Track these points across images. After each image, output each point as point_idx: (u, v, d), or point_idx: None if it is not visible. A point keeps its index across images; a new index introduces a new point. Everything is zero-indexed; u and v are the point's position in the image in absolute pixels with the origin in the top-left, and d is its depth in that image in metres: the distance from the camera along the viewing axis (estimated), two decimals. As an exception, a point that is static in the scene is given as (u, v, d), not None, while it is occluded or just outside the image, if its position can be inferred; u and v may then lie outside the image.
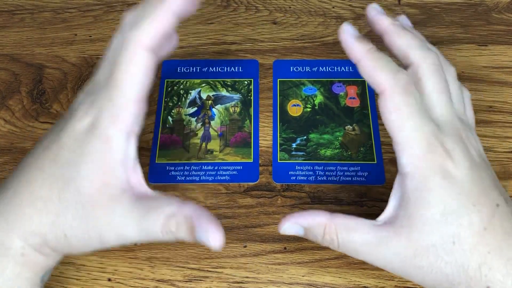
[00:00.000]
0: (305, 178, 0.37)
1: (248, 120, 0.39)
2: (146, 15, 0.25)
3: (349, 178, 0.37)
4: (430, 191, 0.24)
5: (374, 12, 0.29)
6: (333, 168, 0.37)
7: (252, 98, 0.40)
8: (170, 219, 0.25)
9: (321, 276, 0.33)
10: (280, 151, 0.38)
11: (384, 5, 0.46)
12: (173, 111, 0.40)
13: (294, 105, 0.40)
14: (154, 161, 0.38)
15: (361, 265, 0.33)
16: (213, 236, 0.24)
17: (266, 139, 0.39)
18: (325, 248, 0.34)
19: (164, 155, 0.38)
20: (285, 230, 0.28)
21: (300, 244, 0.34)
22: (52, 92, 0.41)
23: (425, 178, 0.25)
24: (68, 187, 0.25)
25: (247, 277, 0.33)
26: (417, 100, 0.25)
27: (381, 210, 0.35)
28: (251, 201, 0.36)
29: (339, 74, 0.41)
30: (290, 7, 0.46)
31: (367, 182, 0.36)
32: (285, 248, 0.34)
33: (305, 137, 0.38)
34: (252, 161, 0.37)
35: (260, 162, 0.38)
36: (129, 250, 0.34)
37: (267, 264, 0.34)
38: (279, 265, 0.33)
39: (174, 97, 0.41)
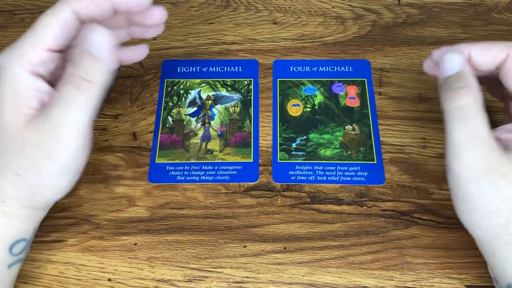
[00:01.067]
0: (305, 178, 0.37)
1: (248, 120, 0.39)
2: None
3: (349, 178, 0.37)
4: None
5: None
6: (333, 168, 0.37)
7: (252, 98, 0.40)
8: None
9: (321, 276, 0.33)
10: (280, 151, 0.38)
11: (384, 5, 0.46)
12: (173, 111, 0.40)
13: (294, 105, 0.40)
14: (154, 161, 0.38)
15: (361, 265, 0.33)
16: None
17: (266, 139, 0.39)
18: (325, 248, 0.34)
19: (164, 155, 0.38)
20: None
21: (300, 244, 0.34)
22: (52, 92, 0.41)
23: None
24: None
25: (247, 277, 0.33)
26: None
27: (381, 210, 0.35)
28: (251, 201, 0.36)
29: (339, 74, 0.41)
30: (290, 7, 0.46)
31: (367, 182, 0.36)
32: (285, 248, 0.34)
33: (305, 137, 0.38)
34: (252, 161, 0.37)
35: (260, 162, 0.38)
36: (129, 250, 0.34)
37: (267, 264, 0.34)
38: (279, 265, 0.33)
39: (174, 97, 0.41)
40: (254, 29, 0.45)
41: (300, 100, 0.40)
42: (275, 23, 0.45)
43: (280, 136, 0.39)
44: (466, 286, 0.32)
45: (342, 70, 0.42)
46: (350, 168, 0.37)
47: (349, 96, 0.40)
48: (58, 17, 0.28)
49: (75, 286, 0.33)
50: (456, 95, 0.27)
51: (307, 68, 0.42)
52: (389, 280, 0.33)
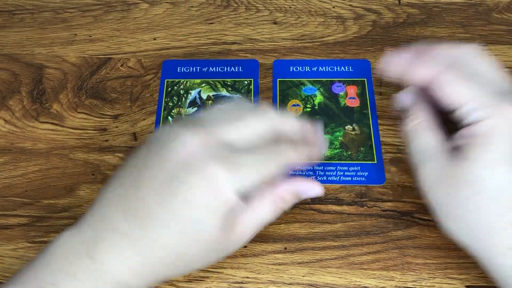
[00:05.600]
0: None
1: (248, 120, 0.39)
2: None
3: (349, 178, 0.37)
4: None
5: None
6: (333, 168, 0.37)
7: (252, 98, 0.40)
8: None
9: (321, 276, 0.33)
10: None
11: (384, 5, 0.46)
12: (173, 111, 0.40)
13: (294, 105, 0.40)
14: (154, 161, 0.37)
15: (362, 265, 0.33)
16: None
17: (266, 139, 0.39)
18: (326, 249, 0.34)
19: (164, 155, 0.38)
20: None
21: (300, 244, 0.34)
22: (52, 92, 0.41)
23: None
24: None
25: (247, 277, 0.33)
26: None
27: (381, 210, 0.35)
28: (251, 201, 0.36)
29: (339, 74, 0.41)
30: (290, 7, 0.46)
31: (367, 182, 0.36)
32: (285, 248, 0.34)
33: None
34: (252, 161, 0.37)
35: (260, 162, 0.38)
36: (129, 250, 0.34)
37: (267, 264, 0.34)
38: (279, 265, 0.33)
39: (174, 97, 0.41)
40: (254, 29, 0.45)
41: (300, 100, 0.40)
42: (275, 23, 0.45)
43: None
44: (466, 286, 0.32)
45: (342, 70, 0.42)
46: (350, 168, 0.37)
47: (349, 96, 0.40)
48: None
49: (75, 287, 0.33)
50: (406, 121, 0.31)
51: (307, 68, 0.42)
52: (389, 280, 0.33)
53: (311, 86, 0.41)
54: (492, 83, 0.28)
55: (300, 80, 0.41)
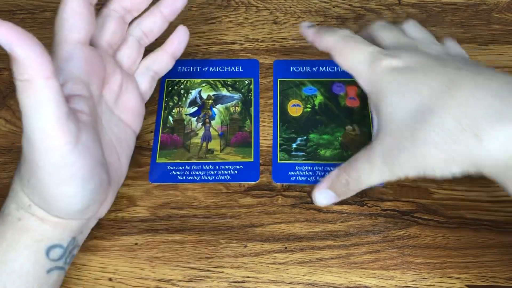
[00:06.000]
0: (304, 178, 0.37)
1: (248, 120, 0.39)
2: None
3: None
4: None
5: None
6: (333, 168, 0.37)
7: (252, 97, 0.41)
8: None
9: (321, 276, 0.33)
10: (280, 151, 0.38)
11: (384, 5, 0.46)
12: (173, 110, 0.40)
13: (294, 105, 0.40)
14: (154, 161, 0.38)
15: (362, 265, 0.33)
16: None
17: (266, 138, 0.39)
18: (326, 248, 0.34)
19: (164, 155, 0.38)
20: (320, 200, 0.33)
21: (300, 244, 0.34)
22: (52, 92, 0.41)
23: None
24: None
25: (247, 277, 0.33)
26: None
27: (381, 209, 0.35)
28: (251, 200, 0.36)
29: (339, 74, 0.41)
30: (290, 7, 0.46)
31: None
32: (285, 248, 0.34)
33: (305, 137, 0.38)
34: (252, 160, 0.37)
35: (260, 161, 0.38)
36: (130, 250, 0.34)
37: (267, 263, 0.34)
38: (279, 264, 0.33)
39: (175, 97, 0.41)
40: (254, 29, 0.45)
41: (300, 100, 0.40)
42: (275, 23, 0.45)
43: (280, 136, 0.38)
44: (466, 286, 0.32)
45: (343, 70, 0.42)
46: None
47: (349, 96, 0.40)
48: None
49: (75, 286, 0.33)
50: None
51: (307, 68, 0.42)
52: (389, 279, 0.33)
53: (311, 86, 0.41)
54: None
55: (300, 80, 0.41)
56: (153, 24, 0.35)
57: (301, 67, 0.42)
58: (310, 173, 0.37)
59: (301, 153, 0.38)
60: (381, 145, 0.28)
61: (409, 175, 0.27)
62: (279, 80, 0.41)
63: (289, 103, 0.40)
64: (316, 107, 0.40)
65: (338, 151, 0.38)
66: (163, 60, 0.36)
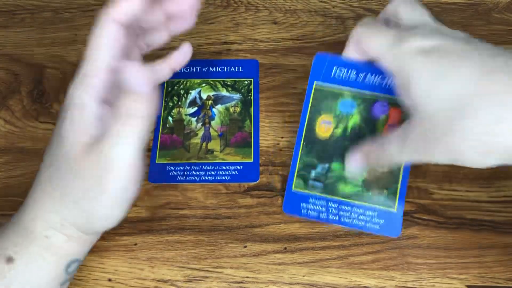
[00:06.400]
0: (316, 214, 0.34)
1: (248, 120, 0.39)
2: None
3: (363, 223, 0.33)
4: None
5: None
6: (349, 208, 0.34)
7: (252, 98, 0.40)
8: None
9: (321, 276, 0.33)
10: (296, 176, 0.34)
11: (384, 5, 0.46)
12: (173, 111, 0.40)
13: (324, 122, 0.34)
14: (154, 161, 0.38)
15: (362, 265, 0.33)
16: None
17: (266, 139, 0.39)
18: (326, 248, 0.34)
19: (164, 155, 0.38)
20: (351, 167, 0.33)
21: (300, 244, 0.34)
22: (52, 92, 0.41)
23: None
24: (60, 163, 0.28)
25: (247, 277, 0.33)
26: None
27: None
28: (251, 201, 0.36)
29: (386, 89, 0.33)
30: (290, 7, 0.46)
31: (380, 231, 0.33)
32: (285, 248, 0.34)
33: (327, 165, 0.34)
34: (252, 161, 0.37)
35: (260, 162, 0.38)
36: (129, 250, 0.34)
37: (267, 264, 0.34)
38: (279, 265, 0.33)
39: (174, 97, 0.41)
40: (254, 29, 0.45)
41: (332, 117, 0.34)
42: (275, 23, 0.45)
43: (300, 159, 0.34)
44: (466, 286, 0.32)
45: (391, 83, 0.33)
46: (366, 212, 0.33)
47: (390, 123, 0.33)
48: (106, 37, 0.28)
49: (75, 286, 0.33)
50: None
51: (353, 73, 0.34)
52: (389, 280, 0.33)
53: (350, 100, 0.34)
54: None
55: (339, 90, 0.34)
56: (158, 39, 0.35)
57: (345, 70, 0.34)
58: (323, 208, 0.34)
59: (319, 184, 0.34)
60: (415, 130, 0.28)
61: (439, 162, 0.27)
62: (315, 86, 0.34)
63: (319, 119, 0.34)
64: (349, 130, 0.34)
65: (359, 189, 0.33)
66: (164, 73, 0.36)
